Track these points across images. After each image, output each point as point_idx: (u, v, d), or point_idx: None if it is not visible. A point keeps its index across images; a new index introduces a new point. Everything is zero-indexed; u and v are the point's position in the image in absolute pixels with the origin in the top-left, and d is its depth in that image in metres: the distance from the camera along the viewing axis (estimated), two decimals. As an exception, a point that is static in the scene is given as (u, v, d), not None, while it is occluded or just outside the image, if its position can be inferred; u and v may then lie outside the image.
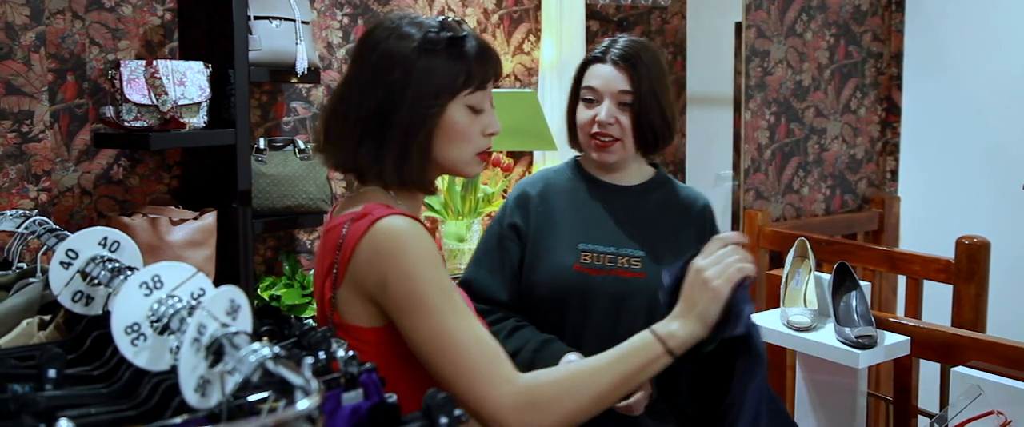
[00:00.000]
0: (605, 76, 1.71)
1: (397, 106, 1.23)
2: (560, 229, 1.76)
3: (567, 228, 1.76)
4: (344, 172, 1.35)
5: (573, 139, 1.83)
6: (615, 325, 1.70)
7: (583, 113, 1.75)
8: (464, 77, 1.26)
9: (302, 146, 2.41)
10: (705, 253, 1.23)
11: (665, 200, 1.81)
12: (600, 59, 1.74)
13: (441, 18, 1.27)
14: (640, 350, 1.18)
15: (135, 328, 0.91)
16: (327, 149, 1.31)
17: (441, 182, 2.70)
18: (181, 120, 2.10)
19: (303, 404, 0.74)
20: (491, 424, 1.14)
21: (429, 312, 1.16)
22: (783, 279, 2.44)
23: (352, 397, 0.95)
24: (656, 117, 1.71)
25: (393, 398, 0.94)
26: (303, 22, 2.37)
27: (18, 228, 1.49)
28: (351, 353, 0.97)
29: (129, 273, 1.11)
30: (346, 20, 2.69)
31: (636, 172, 1.82)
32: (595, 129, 1.72)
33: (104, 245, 1.18)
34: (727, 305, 1.18)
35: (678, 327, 1.19)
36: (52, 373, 0.95)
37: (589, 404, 1.15)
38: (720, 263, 1.20)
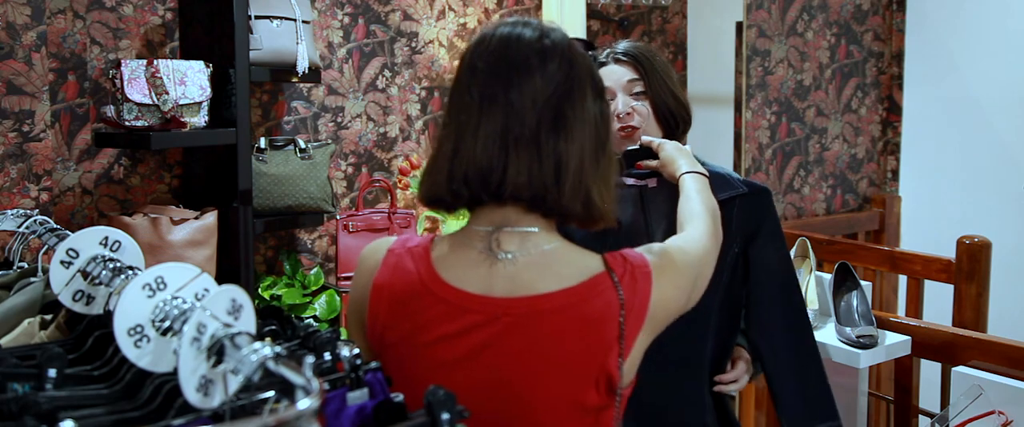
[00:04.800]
0: (612, 73, 1.77)
1: (607, 138, 1.18)
2: None
3: None
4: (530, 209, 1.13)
5: None
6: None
7: None
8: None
9: (303, 145, 2.41)
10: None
11: None
12: (603, 62, 1.81)
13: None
14: (700, 186, 1.49)
15: (138, 329, 0.91)
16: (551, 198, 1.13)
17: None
18: (182, 120, 2.10)
19: (304, 403, 0.74)
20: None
21: (693, 267, 1.26)
22: (784, 279, 2.44)
23: (357, 396, 0.95)
24: (670, 99, 1.79)
25: (400, 398, 0.94)
26: (304, 21, 2.37)
27: (19, 227, 1.49)
28: (356, 351, 0.97)
29: (130, 272, 1.11)
30: (347, 20, 2.69)
31: None
32: (616, 124, 1.75)
33: (105, 244, 1.18)
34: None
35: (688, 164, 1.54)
36: (52, 373, 0.95)
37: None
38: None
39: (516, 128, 1.08)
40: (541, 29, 1.15)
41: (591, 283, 1.10)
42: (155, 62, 2.08)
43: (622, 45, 1.82)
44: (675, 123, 1.81)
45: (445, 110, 1.18)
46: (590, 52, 1.45)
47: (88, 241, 1.17)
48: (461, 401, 1.04)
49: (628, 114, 1.75)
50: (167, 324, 0.90)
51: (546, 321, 1.08)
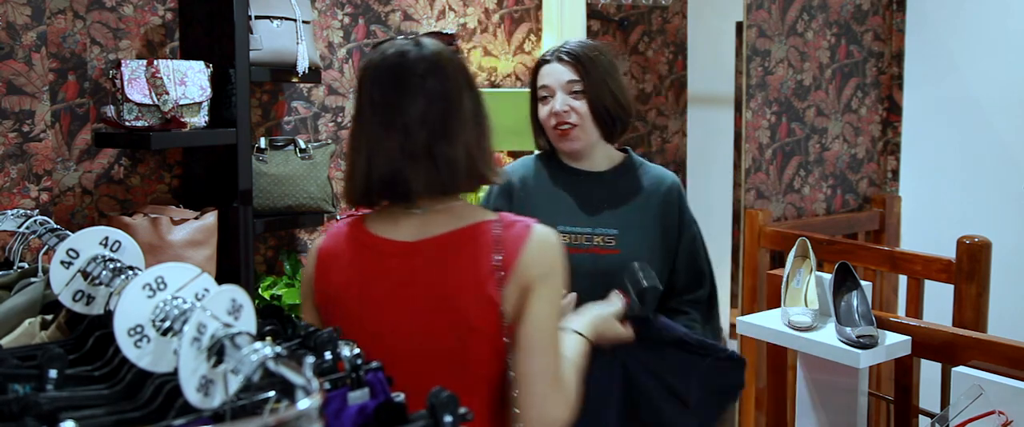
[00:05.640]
0: (554, 72, 1.87)
1: (485, 118, 1.39)
2: (540, 213, 1.84)
3: (546, 212, 1.87)
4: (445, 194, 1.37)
5: (540, 139, 1.97)
6: (596, 299, 1.75)
7: (542, 110, 1.90)
8: None
9: (303, 145, 2.41)
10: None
11: (635, 182, 1.94)
12: (547, 60, 1.90)
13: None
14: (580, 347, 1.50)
15: (138, 330, 0.91)
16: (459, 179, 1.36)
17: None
18: (182, 120, 2.10)
19: (304, 403, 0.74)
20: (545, 420, 1.30)
21: (558, 304, 1.36)
22: (784, 279, 2.44)
23: (358, 396, 0.95)
24: (610, 101, 1.86)
25: (401, 397, 0.94)
26: (304, 22, 2.37)
27: (19, 228, 1.49)
28: (357, 351, 0.97)
29: (130, 272, 1.11)
30: (347, 20, 2.69)
31: (604, 158, 1.94)
32: (553, 121, 1.86)
33: (105, 245, 1.18)
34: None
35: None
36: (53, 373, 0.95)
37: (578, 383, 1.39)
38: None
39: (409, 145, 1.30)
40: (421, 51, 1.34)
41: (479, 225, 1.34)
42: (155, 62, 2.08)
43: (570, 44, 1.90)
44: (612, 123, 1.88)
45: (353, 130, 1.38)
46: (451, 44, 1.55)
47: (88, 241, 1.17)
48: (395, 331, 1.31)
49: (565, 111, 1.84)
50: (167, 324, 0.90)
51: (448, 255, 1.32)
